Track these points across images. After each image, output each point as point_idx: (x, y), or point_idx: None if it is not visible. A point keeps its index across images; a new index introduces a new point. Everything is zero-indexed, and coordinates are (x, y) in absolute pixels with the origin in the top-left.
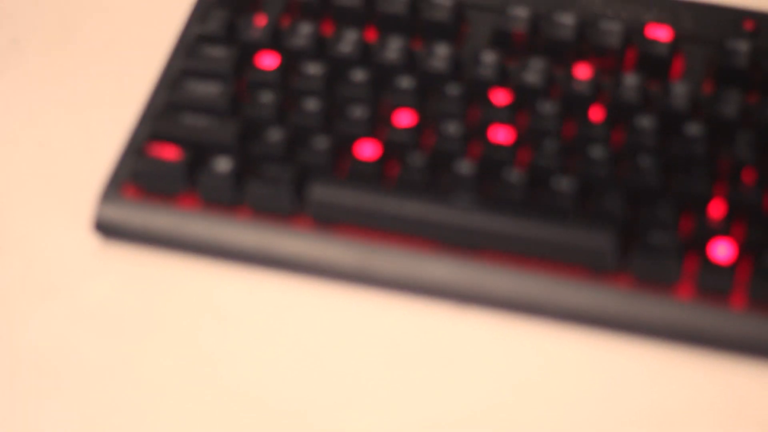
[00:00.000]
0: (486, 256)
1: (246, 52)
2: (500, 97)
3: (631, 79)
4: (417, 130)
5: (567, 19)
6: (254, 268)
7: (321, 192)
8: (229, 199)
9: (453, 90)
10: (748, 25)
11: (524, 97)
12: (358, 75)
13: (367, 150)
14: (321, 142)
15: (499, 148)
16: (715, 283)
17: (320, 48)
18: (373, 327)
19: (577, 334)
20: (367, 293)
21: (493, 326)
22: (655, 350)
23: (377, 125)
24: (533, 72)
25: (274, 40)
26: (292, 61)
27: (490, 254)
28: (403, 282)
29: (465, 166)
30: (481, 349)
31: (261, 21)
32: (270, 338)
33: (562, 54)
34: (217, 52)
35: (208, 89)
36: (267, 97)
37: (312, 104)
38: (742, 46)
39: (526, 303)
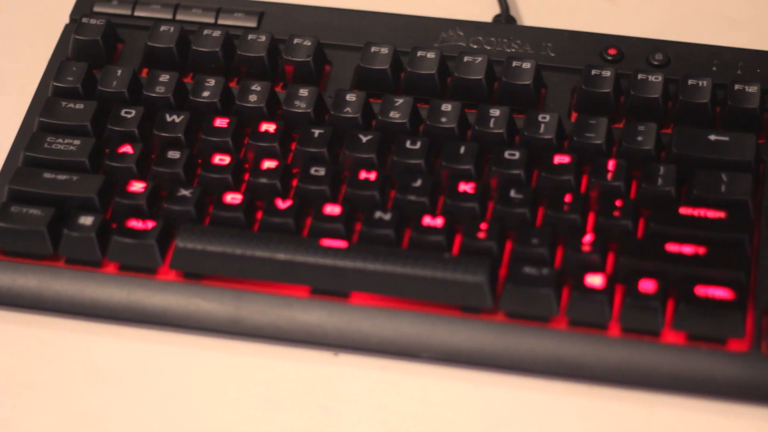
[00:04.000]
0: (359, 298)
1: (105, 105)
2: (366, 137)
3: (496, 112)
4: (282, 174)
5: (430, 55)
6: (125, 323)
7: (185, 243)
8: (93, 256)
9: (318, 131)
10: (611, 51)
11: (391, 136)
12: (221, 122)
13: (231, 197)
14: (185, 193)
15: (367, 188)
16: (589, 313)
17: (181, 96)
18: (247, 377)
19: (456, 373)
20: (240, 343)
21: (370, 370)
22: (536, 384)
23: (242, 171)
24: (399, 110)
25: (133, 92)
26: (152, 111)
27: (363, 297)
28: (276, 329)
29: (333, 209)
30: (359, 393)
31: (118, 73)
32: (146, 394)
33: (427, 91)
34: (75, 106)
35: (66, 145)
36: (128, 150)
37: (174, 154)
38: (606, 73)
39: (402, 345)
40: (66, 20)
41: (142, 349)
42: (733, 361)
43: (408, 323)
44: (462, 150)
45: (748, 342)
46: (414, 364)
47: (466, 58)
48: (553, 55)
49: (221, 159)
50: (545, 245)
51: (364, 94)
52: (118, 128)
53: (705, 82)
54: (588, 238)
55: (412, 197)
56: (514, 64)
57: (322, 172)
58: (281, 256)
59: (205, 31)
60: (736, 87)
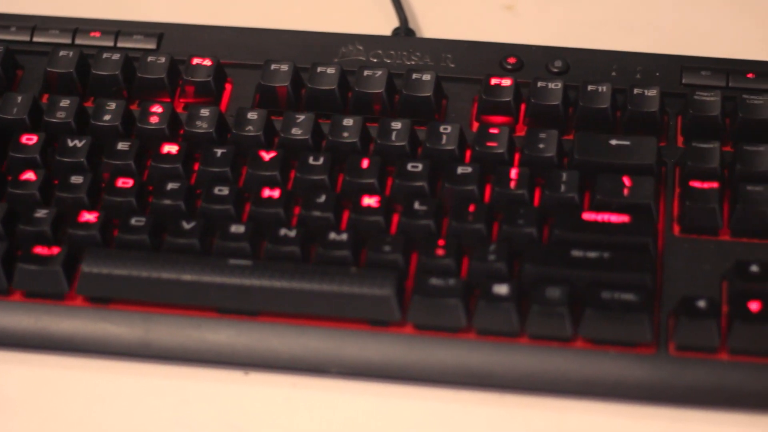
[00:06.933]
0: (267, 317)
1: (5, 132)
2: (269, 155)
3: (398, 125)
4: (185, 195)
5: (330, 71)
6: (34, 351)
7: (91, 268)
8: None
9: (221, 151)
10: (511, 60)
11: (294, 153)
12: (122, 145)
13: (136, 220)
14: (89, 218)
15: (271, 206)
16: (497, 322)
17: (82, 121)
18: (158, 399)
19: (366, 387)
20: (150, 365)
21: (281, 387)
22: (447, 394)
23: (146, 194)
24: (300, 127)
25: (34, 118)
26: (54, 137)
27: (271, 315)
28: (185, 351)
29: (238, 228)
30: (270, 412)
31: (19, 99)
32: (56, 421)
33: (328, 106)
34: None
35: None
36: (31, 177)
37: (77, 179)
38: (506, 82)
39: (312, 361)
40: None
41: (51, 375)
42: (641, 363)
43: (317, 339)
44: (365, 164)
45: (656, 344)
46: (325, 379)
47: (366, 72)
48: (453, 65)
49: (124, 182)
50: (451, 256)
51: (265, 112)
52: (19, 155)
53: (604, 88)
54: (493, 247)
55: (317, 213)
56: (414, 76)
57: (225, 191)
58: (187, 277)
59: (105, 55)
60: (636, 91)
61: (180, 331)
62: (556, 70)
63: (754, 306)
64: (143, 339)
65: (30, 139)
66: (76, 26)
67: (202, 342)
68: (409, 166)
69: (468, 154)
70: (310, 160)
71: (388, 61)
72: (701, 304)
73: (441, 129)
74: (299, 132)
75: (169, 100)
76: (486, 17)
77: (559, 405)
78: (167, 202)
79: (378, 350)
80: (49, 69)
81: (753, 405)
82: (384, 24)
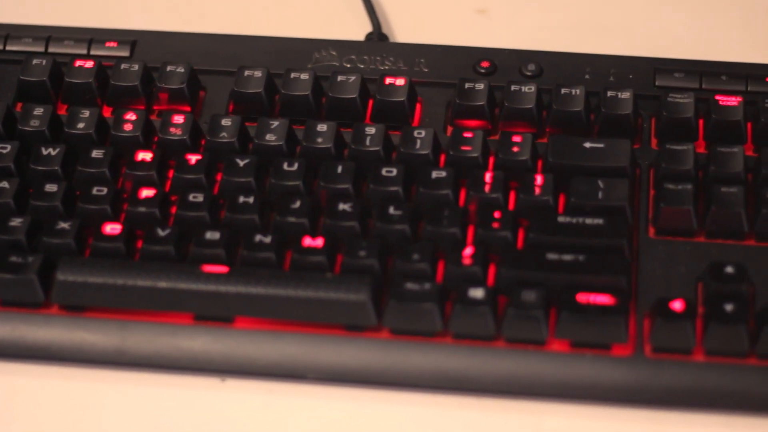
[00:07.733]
0: (243, 322)
1: None
2: (243, 161)
3: (372, 130)
4: (160, 203)
5: (304, 77)
6: (10, 360)
7: (66, 276)
8: None
9: (195, 158)
10: (484, 64)
11: (268, 159)
12: (96, 153)
13: (111, 228)
14: (64, 226)
15: (246, 212)
16: (473, 326)
17: (56, 129)
18: (135, 406)
19: (343, 392)
20: (127, 373)
21: (258, 394)
22: (424, 399)
23: (120, 201)
24: (275, 133)
25: (8, 127)
26: (28, 145)
27: (247, 321)
28: (162, 358)
29: (213, 234)
30: (247, 418)
31: None
32: (34, 429)
33: (302, 112)
34: None
35: None
36: (5, 185)
37: (52, 188)
38: (479, 86)
39: (288, 367)
40: None
41: (28, 384)
42: (618, 365)
43: (293, 345)
44: (339, 169)
45: (632, 346)
46: (301, 385)
47: (339, 78)
48: (426, 70)
49: (99, 190)
50: (426, 260)
51: (239, 119)
52: None
53: (578, 91)
54: (468, 251)
55: (292, 219)
56: (388, 81)
57: (200, 198)
58: (163, 284)
59: (78, 63)
60: (609, 94)
61: (156, 338)
62: (529, 73)
63: (728, 307)
64: (119, 347)
65: (4, 148)
66: (49, 34)
67: (178, 349)
68: (384, 171)
69: (442, 158)
70: (285, 166)
71: (362, 66)
72: (677, 305)
73: (415, 134)
74: (273, 138)
75: (143, 107)
76: (459, 21)
77: (536, 408)
78: (142, 209)
79: (354, 355)
80: (22, 77)
81: (729, 406)
82: (357, 29)
